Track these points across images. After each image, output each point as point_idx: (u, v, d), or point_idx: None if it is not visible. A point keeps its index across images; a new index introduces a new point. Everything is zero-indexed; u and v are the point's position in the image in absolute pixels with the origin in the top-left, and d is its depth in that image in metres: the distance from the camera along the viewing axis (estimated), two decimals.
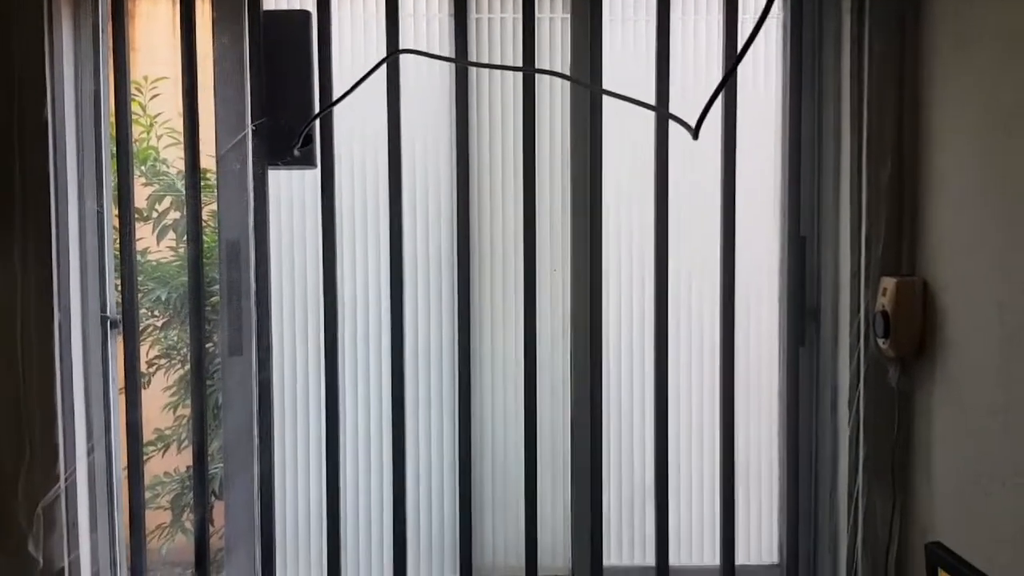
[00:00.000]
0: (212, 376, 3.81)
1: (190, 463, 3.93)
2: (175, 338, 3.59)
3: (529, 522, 1.93)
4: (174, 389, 3.75)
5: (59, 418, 1.88)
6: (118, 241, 1.96)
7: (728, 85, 1.94)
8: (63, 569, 1.89)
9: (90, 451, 1.95)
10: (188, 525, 3.85)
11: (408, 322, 1.99)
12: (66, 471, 1.88)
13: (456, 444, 1.98)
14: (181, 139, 3.71)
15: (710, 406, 2.06)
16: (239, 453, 1.99)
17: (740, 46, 1.95)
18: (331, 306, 1.93)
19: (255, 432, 1.97)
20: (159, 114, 3.78)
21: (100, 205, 1.98)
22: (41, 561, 1.86)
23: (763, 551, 2.09)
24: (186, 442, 3.86)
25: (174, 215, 3.70)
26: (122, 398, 1.98)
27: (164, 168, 3.72)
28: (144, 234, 3.61)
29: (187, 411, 3.82)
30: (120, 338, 2.00)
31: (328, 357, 1.93)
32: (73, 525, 1.91)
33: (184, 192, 3.71)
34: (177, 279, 3.44)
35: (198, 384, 1.94)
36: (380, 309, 2.02)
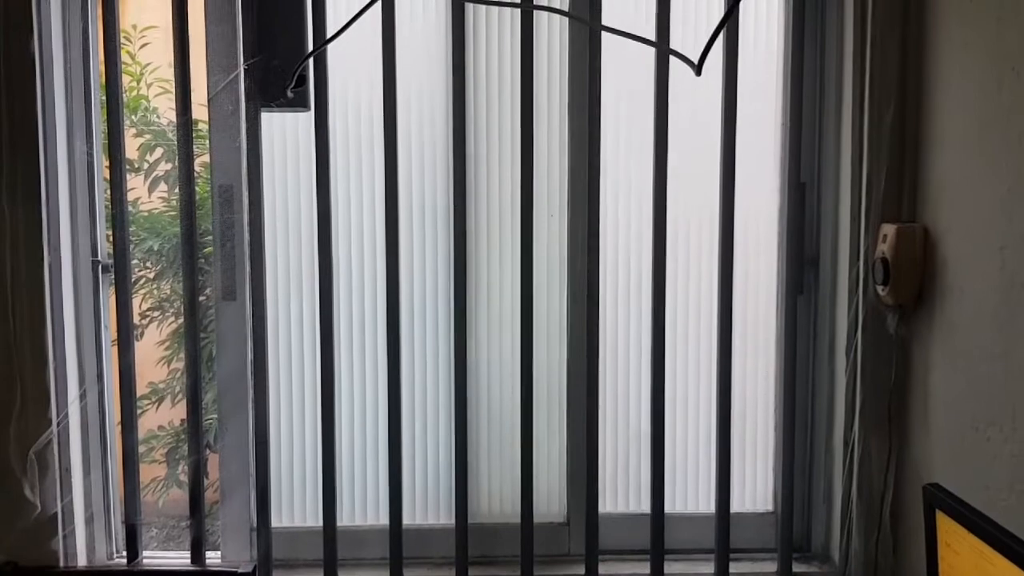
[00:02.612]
0: (206, 328, 3.81)
1: (184, 416, 3.95)
2: (168, 290, 3.57)
3: (525, 468, 1.93)
4: (168, 343, 3.74)
5: (50, 361, 1.86)
6: (108, 189, 1.93)
7: (729, 25, 1.90)
8: (56, 513, 1.88)
9: (82, 396, 1.93)
10: (183, 478, 3.86)
11: (403, 267, 1.96)
12: (58, 416, 1.87)
13: (452, 389, 1.96)
14: (171, 89, 3.67)
15: (707, 353, 2.05)
16: (233, 398, 1.97)
17: None
18: (325, 250, 1.91)
19: (249, 376, 1.96)
20: (148, 63, 3.73)
21: (90, 148, 1.94)
22: (39, 505, 1.85)
23: (757, 499, 2.09)
24: (180, 396, 3.85)
25: (165, 166, 3.66)
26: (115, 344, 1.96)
27: (155, 118, 3.67)
28: (135, 184, 3.57)
29: (181, 365, 3.81)
30: (112, 286, 1.97)
31: (323, 301, 1.91)
32: (66, 470, 1.90)
33: (176, 140, 3.69)
34: (169, 230, 3.41)
35: (192, 330, 1.92)
36: (375, 253, 2.00)
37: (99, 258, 1.98)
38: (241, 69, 1.89)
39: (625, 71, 1.98)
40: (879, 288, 1.81)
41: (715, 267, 1.95)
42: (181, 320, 3.71)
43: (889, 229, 1.79)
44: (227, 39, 1.91)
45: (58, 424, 1.87)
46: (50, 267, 1.86)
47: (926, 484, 1.32)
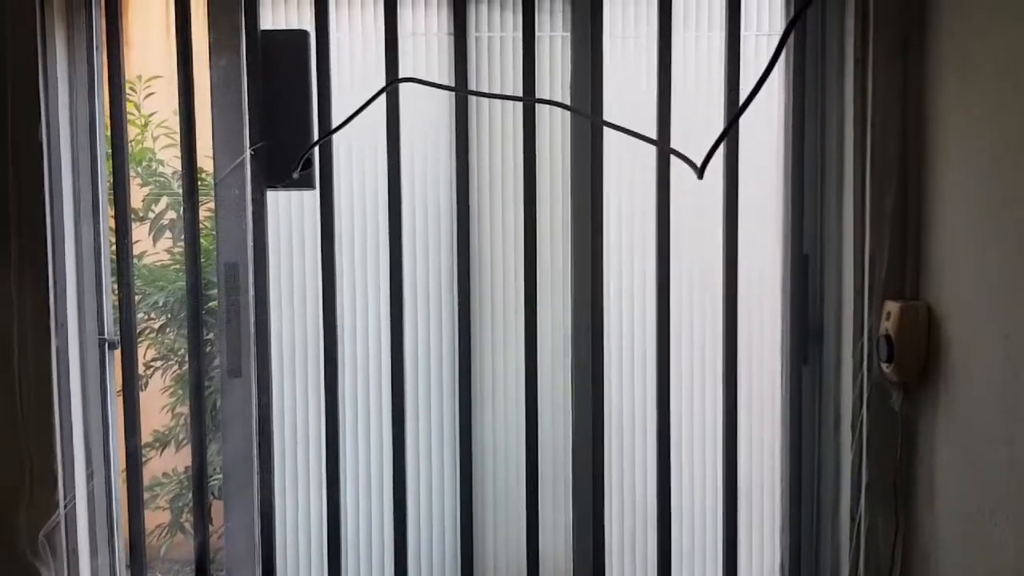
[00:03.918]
0: (210, 379, 3.81)
1: (188, 463, 3.95)
2: (172, 337, 3.57)
3: (531, 540, 1.93)
4: (172, 389, 3.74)
5: (58, 444, 1.87)
6: (114, 248, 1.94)
7: (730, 104, 1.92)
8: None
9: (89, 477, 1.94)
10: (187, 526, 3.86)
11: (408, 342, 1.98)
12: (65, 498, 1.87)
13: (457, 462, 1.97)
14: (176, 139, 3.70)
15: (712, 425, 2.05)
16: (238, 476, 1.98)
17: (742, 70, 1.93)
18: (330, 327, 1.92)
19: (255, 456, 1.96)
20: (154, 113, 3.75)
21: (96, 230, 1.96)
22: None
23: (764, 571, 2.09)
24: (184, 441, 3.86)
25: (170, 215, 3.67)
26: (120, 419, 1.97)
27: (160, 168, 3.69)
28: (140, 236, 3.59)
29: (185, 409, 3.81)
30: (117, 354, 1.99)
31: (327, 376, 1.92)
32: (73, 552, 1.90)
33: (180, 193, 3.70)
34: (174, 283, 3.42)
35: (197, 401, 1.92)
36: (380, 329, 2.01)
37: (105, 335, 1.99)
38: (248, 153, 1.90)
39: (629, 144, 1.99)
40: (883, 365, 1.82)
41: (719, 338, 1.96)
42: (185, 367, 3.73)
43: (893, 307, 1.79)
44: (234, 121, 1.93)
45: (65, 506, 1.88)
46: (57, 349, 1.87)
47: None
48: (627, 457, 2.05)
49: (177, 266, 3.47)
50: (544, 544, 1.98)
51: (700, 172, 1.33)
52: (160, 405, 3.74)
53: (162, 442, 3.80)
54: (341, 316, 1.97)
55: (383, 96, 1.87)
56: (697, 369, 2.05)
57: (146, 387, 3.59)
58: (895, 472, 1.85)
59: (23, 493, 1.85)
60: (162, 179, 3.68)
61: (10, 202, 1.83)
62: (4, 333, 1.83)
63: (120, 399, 1.96)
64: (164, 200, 3.66)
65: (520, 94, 1.91)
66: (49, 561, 1.85)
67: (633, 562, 2.07)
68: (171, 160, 3.73)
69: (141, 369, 3.49)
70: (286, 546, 2.03)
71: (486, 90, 1.96)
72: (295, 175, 1.89)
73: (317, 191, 1.92)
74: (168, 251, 3.56)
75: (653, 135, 1.91)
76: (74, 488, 1.90)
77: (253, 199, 1.92)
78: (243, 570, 2.00)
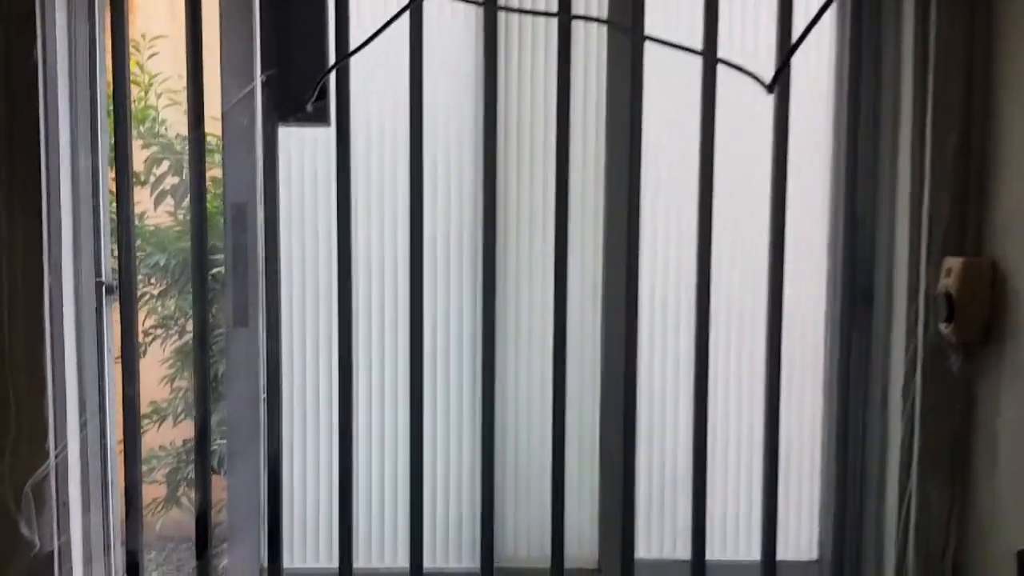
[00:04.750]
0: (215, 354, 3.68)
1: (186, 437, 3.83)
2: (172, 307, 3.44)
3: (556, 510, 1.80)
4: (171, 361, 3.62)
5: (49, 389, 1.73)
6: (114, 202, 1.81)
7: (781, 45, 1.78)
8: (52, 552, 1.75)
9: (83, 426, 1.80)
10: (184, 500, 3.74)
11: (428, 290, 1.83)
12: (56, 447, 1.74)
13: (478, 422, 1.84)
14: (180, 100, 3.56)
15: (748, 390, 1.92)
16: (243, 431, 1.84)
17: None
18: (344, 274, 1.78)
19: (261, 408, 1.83)
20: (157, 73, 3.62)
21: (95, 160, 1.82)
22: (38, 542, 1.72)
23: (801, 546, 1.96)
24: (183, 415, 3.73)
25: (172, 180, 3.55)
26: (117, 369, 1.83)
27: (162, 130, 3.57)
28: (141, 198, 3.46)
29: (184, 383, 3.69)
30: (116, 305, 1.85)
31: (342, 328, 1.78)
32: (64, 505, 1.76)
33: (184, 154, 3.58)
34: (175, 245, 3.29)
35: (201, 354, 1.78)
36: (397, 276, 1.87)
37: (103, 278, 1.86)
38: (258, 81, 1.77)
39: (672, 79, 1.86)
40: (941, 325, 1.68)
41: (762, 300, 1.82)
42: (186, 339, 3.60)
43: (954, 263, 1.66)
44: (243, 49, 1.80)
45: (56, 456, 1.74)
46: (50, 288, 1.73)
47: (1021, 550, 1.19)
48: (657, 419, 1.92)
49: (179, 228, 3.33)
50: (568, 510, 1.84)
51: (770, 87, 1.20)
52: (159, 377, 3.62)
53: (160, 415, 3.68)
54: (356, 262, 1.83)
55: (405, 18, 1.73)
56: (736, 332, 1.92)
57: (145, 355, 3.46)
58: (952, 441, 1.71)
59: (7, 440, 1.71)
60: (164, 140, 3.55)
61: (1, 129, 1.70)
62: None
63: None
64: (166, 163, 3.53)
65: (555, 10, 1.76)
66: (32, 515, 1.72)
67: (662, 532, 1.94)
68: (174, 123, 3.61)
69: (140, 337, 3.35)
70: (293, 504, 1.89)
71: (516, 20, 1.82)
72: (309, 107, 1.75)
73: (333, 127, 1.77)
74: (170, 213, 3.43)
75: (697, 77, 1.78)
76: (66, 437, 1.76)
77: (264, 133, 1.78)
78: (247, 536, 1.87)
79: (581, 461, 1.90)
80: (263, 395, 1.83)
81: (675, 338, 1.90)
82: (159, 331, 3.62)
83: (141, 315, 3.36)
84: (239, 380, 1.85)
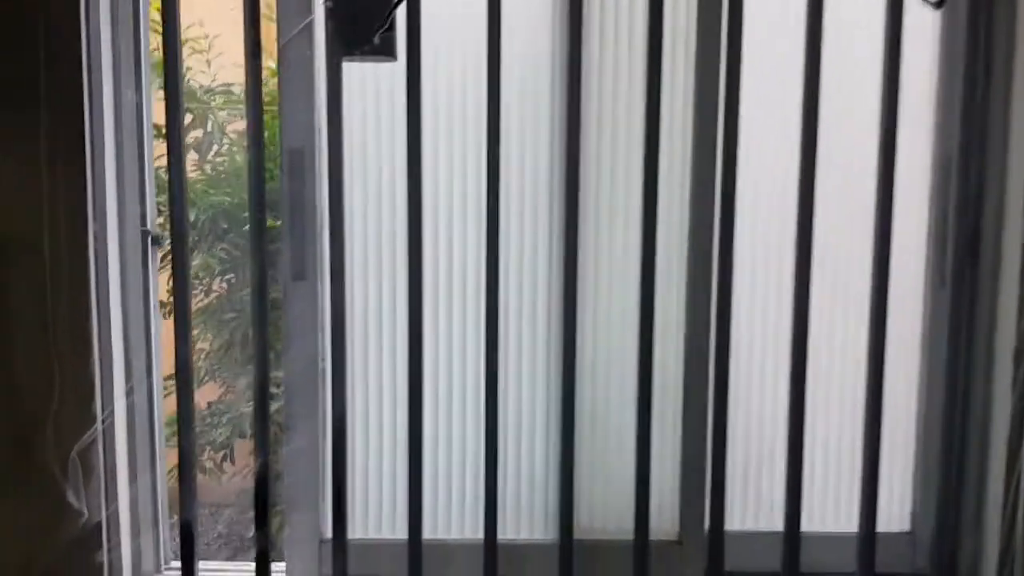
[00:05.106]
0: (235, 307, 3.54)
1: (210, 399, 3.71)
2: (199, 265, 3.30)
3: (641, 477, 1.67)
4: (193, 322, 3.48)
5: (95, 347, 1.60)
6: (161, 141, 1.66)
7: None
8: (100, 523, 1.62)
9: (130, 392, 1.67)
10: (208, 465, 3.64)
11: (505, 247, 1.69)
12: (104, 411, 1.61)
13: (556, 384, 1.71)
14: (202, 48, 3.36)
15: (840, 347, 1.79)
16: (302, 394, 1.71)
17: None
18: (415, 226, 1.63)
19: (321, 369, 1.70)
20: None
21: (139, 97, 1.67)
22: (86, 511, 1.60)
23: (892, 518, 1.84)
24: (206, 378, 3.62)
25: (196, 133, 3.40)
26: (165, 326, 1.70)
27: (185, 80, 3.40)
28: (163, 152, 3.31)
29: (207, 345, 3.57)
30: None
31: (412, 285, 1.64)
32: (112, 474, 1.64)
33: (210, 104, 3.41)
34: (204, 200, 3.14)
35: (260, 308, 1.64)
36: (466, 219, 1.72)
37: (149, 227, 1.72)
38: (321, 8, 1.61)
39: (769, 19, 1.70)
40: None
41: (865, 253, 1.68)
42: (211, 298, 3.48)
43: None
44: None
45: (103, 421, 1.61)
46: (95, 236, 1.59)
47: None
48: (742, 377, 1.78)
49: (207, 180, 3.18)
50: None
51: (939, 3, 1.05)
52: None
53: None
54: (428, 213, 1.68)
55: None
56: (841, 285, 1.77)
57: (169, 315, 3.32)
58: None
59: (51, 404, 1.58)
60: (187, 91, 3.38)
61: (41, 65, 1.54)
62: (32, 215, 1.56)
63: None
64: (189, 116, 3.37)
65: None
66: (79, 484, 1.59)
67: (745, 502, 1.81)
68: (197, 73, 3.45)
69: (163, 296, 3.21)
70: (355, 471, 1.77)
71: None
72: (376, 39, 1.59)
73: (403, 60, 1.62)
74: (196, 166, 3.28)
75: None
76: (112, 401, 1.63)
77: (328, 68, 1.62)
78: (305, 506, 1.74)
79: (663, 425, 1.76)
80: (323, 355, 1.69)
81: (776, 292, 1.76)
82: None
83: (164, 276, 3.22)
84: (297, 340, 1.71)
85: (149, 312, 1.72)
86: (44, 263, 1.56)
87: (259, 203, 1.62)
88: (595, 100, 1.71)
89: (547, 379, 1.76)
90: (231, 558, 3.79)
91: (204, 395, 3.66)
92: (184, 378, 1.62)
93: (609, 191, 1.73)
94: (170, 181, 1.58)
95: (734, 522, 1.81)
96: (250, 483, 1.68)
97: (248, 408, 3.36)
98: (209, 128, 3.33)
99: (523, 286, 1.75)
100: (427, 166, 1.66)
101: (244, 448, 3.64)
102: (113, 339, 1.63)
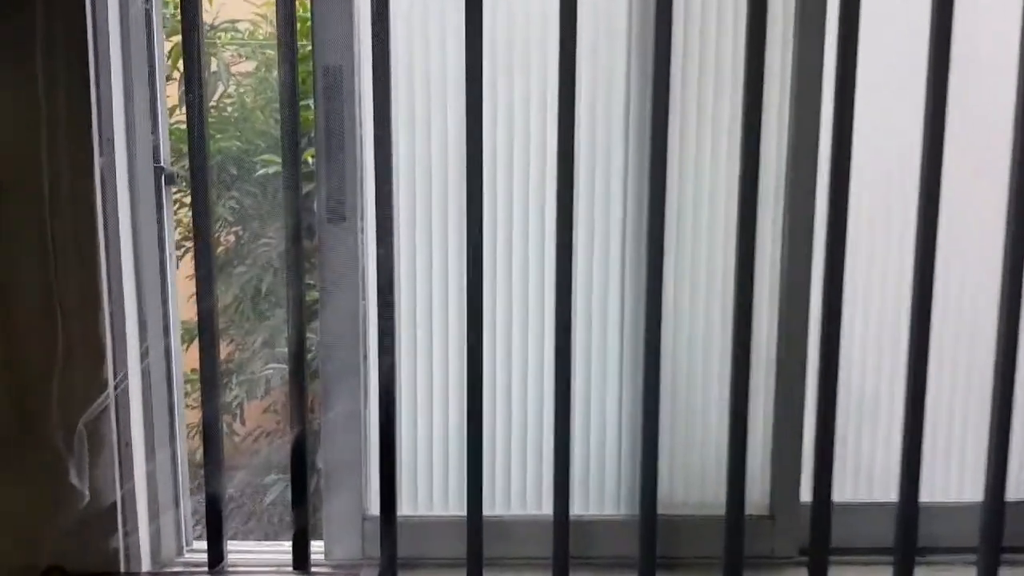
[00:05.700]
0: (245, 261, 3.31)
1: (223, 357, 3.50)
2: None
3: (735, 450, 1.46)
4: None
5: (104, 303, 1.37)
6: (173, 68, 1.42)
7: None
8: (115, 504, 1.41)
9: (145, 353, 1.45)
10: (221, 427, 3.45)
11: (579, 175, 1.46)
12: (116, 375, 1.39)
13: (636, 349, 1.49)
14: None
15: (956, 310, 1.57)
16: (341, 354, 1.49)
17: None
18: (475, 160, 1.39)
19: (363, 326, 1.48)
20: None
21: (149, 4, 1.43)
22: (87, 494, 1.38)
23: (964, 488, 1.64)
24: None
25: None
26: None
27: None
28: (169, 92, 3.06)
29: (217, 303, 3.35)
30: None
31: (471, 223, 1.41)
32: (127, 446, 1.42)
33: (216, 41, 3.14)
34: (212, 144, 2.89)
35: (296, 254, 1.41)
36: (528, 158, 1.49)
37: (162, 164, 1.48)
38: None
39: None
40: None
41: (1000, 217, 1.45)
42: (221, 250, 3.24)
43: None
44: None
45: (116, 387, 1.39)
46: (102, 173, 1.36)
47: None
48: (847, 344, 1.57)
49: (213, 124, 2.93)
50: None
51: None
52: (188, 294, 3.27)
53: (191, 335, 3.34)
54: (488, 143, 1.45)
55: None
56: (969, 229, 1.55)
57: (178, 268, 3.10)
58: None
59: (54, 364, 1.36)
60: None
61: None
62: (29, 147, 1.32)
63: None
64: None
65: None
66: (83, 459, 1.38)
67: (843, 473, 1.61)
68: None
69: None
70: (402, 442, 1.55)
71: None
72: None
73: None
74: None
75: None
76: (126, 364, 1.41)
77: None
78: (347, 479, 1.53)
79: (754, 395, 1.55)
80: (365, 309, 1.47)
81: (899, 256, 1.54)
82: (189, 243, 3.25)
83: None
84: (334, 291, 1.48)
85: (165, 260, 1.49)
86: (44, 206, 1.33)
87: (292, 135, 1.38)
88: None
89: (620, 343, 1.54)
90: (245, 524, 3.61)
91: None
92: (209, 336, 1.40)
93: (696, 138, 1.49)
94: (188, 104, 1.34)
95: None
96: (262, 445, 1.47)
97: (261, 369, 3.15)
98: (214, 68, 3.07)
99: (598, 235, 1.52)
100: (487, 94, 1.43)
101: (255, 409, 3.45)
102: (126, 290, 1.40)
